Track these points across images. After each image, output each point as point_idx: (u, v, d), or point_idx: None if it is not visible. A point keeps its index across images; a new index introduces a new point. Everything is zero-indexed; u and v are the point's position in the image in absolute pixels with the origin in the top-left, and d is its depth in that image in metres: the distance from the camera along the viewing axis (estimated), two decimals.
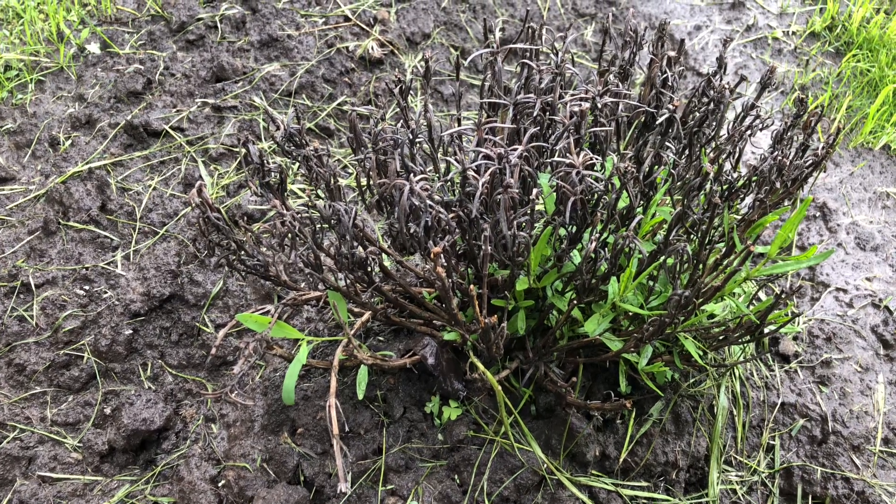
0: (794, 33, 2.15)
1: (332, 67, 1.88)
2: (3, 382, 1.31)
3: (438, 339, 1.23)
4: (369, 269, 1.09)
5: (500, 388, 1.11)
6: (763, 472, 1.28)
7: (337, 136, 1.77)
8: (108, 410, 1.29)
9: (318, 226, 1.07)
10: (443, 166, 1.20)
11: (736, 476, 1.27)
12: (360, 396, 1.08)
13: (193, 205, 1.01)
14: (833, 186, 1.76)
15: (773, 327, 1.14)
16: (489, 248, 0.99)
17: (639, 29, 1.29)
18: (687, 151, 1.14)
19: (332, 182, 1.03)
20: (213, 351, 0.99)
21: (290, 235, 1.00)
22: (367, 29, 1.98)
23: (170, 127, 1.75)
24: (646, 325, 1.09)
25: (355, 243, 1.05)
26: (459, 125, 1.25)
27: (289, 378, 1.01)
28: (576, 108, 1.03)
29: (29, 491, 1.17)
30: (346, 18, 2.01)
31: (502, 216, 0.99)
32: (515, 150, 1.01)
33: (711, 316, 1.26)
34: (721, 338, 1.18)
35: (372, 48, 1.92)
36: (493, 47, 1.21)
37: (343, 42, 1.94)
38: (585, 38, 2.09)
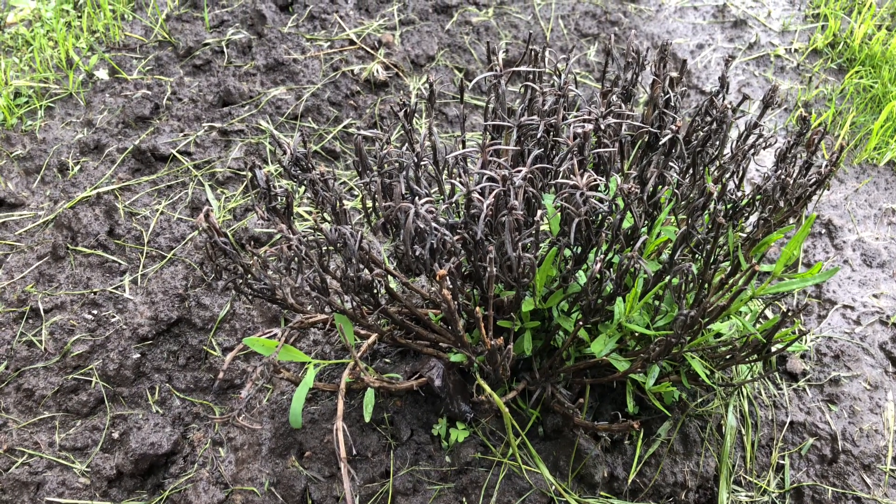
0: (796, 51, 2.16)
1: (338, 90, 1.90)
2: (11, 408, 1.32)
3: (445, 361, 1.23)
4: (375, 291, 1.10)
5: (506, 409, 1.11)
6: (773, 493, 1.27)
7: (343, 158, 1.78)
8: (115, 435, 1.29)
9: (325, 249, 1.08)
10: (448, 188, 1.21)
11: (746, 496, 1.26)
12: (367, 419, 1.08)
13: (201, 229, 1.02)
14: (838, 203, 1.76)
15: (780, 346, 1.14)
16: (494, 269, 0.99)
17: (641, 49, 1.31)
18: (691, 171, 1.14)
19: (338, 206, 1.04)
20: (221, 375, 0.99)
21: (296, 259, 1.00)
22: (372, 52, 2.00)
23: (177, 151, 1.77)
24: (652, 346, 1.09)
25: (361, 266, 1.06)
26: (464, 147, 1.26)
27: (296, 401, 1.01)
28: (579, 130, 1.04)
29: None
30: (351, 42, 2.03)
31: (507, 237, 1.00)
32: (520, 171, 1.02)
33: (718, 335, 1.26)
34: (728, 357, 1.17)
35: (377, 71, 1.94)
36: (496, 70, 1.22)
37: (348, 65, 1.96)
38: (589, 58, 2.11)
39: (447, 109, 1.91)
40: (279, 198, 1.08)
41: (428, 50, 2.04)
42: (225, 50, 2.03)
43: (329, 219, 1.07)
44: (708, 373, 1.18)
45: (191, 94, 1.93)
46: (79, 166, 1.76)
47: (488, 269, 0.98)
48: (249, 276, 1.10)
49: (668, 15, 2.31)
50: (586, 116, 1.11)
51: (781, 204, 1.17)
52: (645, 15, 2.30)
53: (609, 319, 1.16)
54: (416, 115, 1.95)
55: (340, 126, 1.84)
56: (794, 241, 1.08)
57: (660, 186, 1.13)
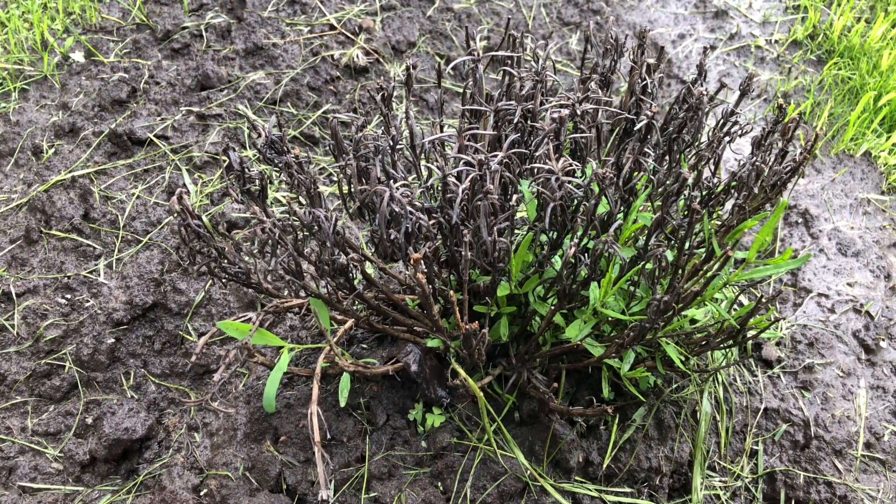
0: (776, 42, 2.17)
1: (318, 76, 1.89)
2: None
3: (422, 347, 1.23)
4: (351, 276, 1.09)
5: (482, 394, 1.11)
6: (746, 478, 1.29)
7: (322, 144, 1.77)
8: (89, 420, 1.28)
9: (300, 234, 1.07)
10: (424, 173, 1.21)
11: (720, 481, 1.27)
12: (343, 404, 1.08)
13: (174, 212, 1.01)
14: (815, 193, 1.77)
15: (754, 332, 1.15)
16: (469, 253, 0.99)
17: (619, 37, 1.31)
18: (667, 158, 1.15)
19: (313, 188, 1.03)
20: (193, 359, 0.98)
21: (270, 242, 0.99)
22: (353, 37, 1.99)
23: (154, 135, 1.75)
24: (627, 331, 1.09)
25: (336, 250, 1.05)
26: (441, 132, 1.25)
27: (270, 386, 1.00)
28: (556, 115, 1.04)
29: (9, 501, 1.16)
30: (332, 27, 2.01)
31: (482, 222, 1.00)
32: (496, 156, 1.02)
33: (693, 321, 1.27)
34: (703, 343, 1.18)
35: (357, 56, 1.92)
36: (475, 55, 1.22)
37: (328, 50, 1.95)
38: (570, 46, 2.11)
39: (427, 96, 1.90)
40: (254, 181, 1.07)
41: (409, 36, 2.03)
42: (204, 34, 2.00)
43: (304, 202, 1.06)
44: (683, 359, 1.19)
45: (168, 78, 1.91)
46: (53, 149, 1.74)
47: (464, 253, 0.98)
48: (224, 259, 1.09)
49: (649, 4, 2.31)
50: (563, 102, 1.11)
51: (756, 190, 1.17)
52: (627, 4, 2.30)
53: (585, 305, 1.17)
54: (394, 99, 1.94)
55: (320, 111, 1.82)
56: (767, 227, 1.08)
57: (636, 173, 1.13)
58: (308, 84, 1.86)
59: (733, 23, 2.23)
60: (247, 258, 1.09)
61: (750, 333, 1.20)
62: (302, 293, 1.08)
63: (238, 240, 1.05)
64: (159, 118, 1.80)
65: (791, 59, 2.12)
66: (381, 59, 1.96)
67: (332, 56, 1.93)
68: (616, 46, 1.31)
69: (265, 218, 0.99)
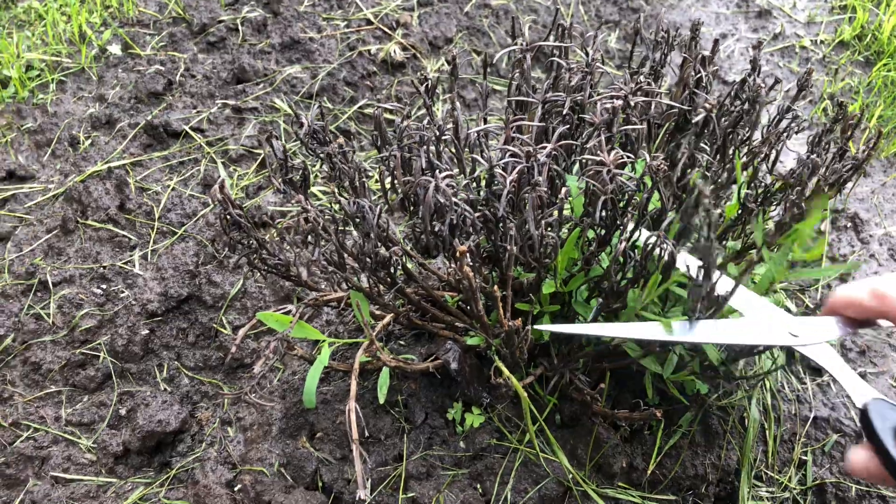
0: (822, 42, 2.11)
1: (354, 70, 1.87)
2: (17, 381, 1.29)
3: (461, 344, 1.20)
4: (393, 269, 1.07)
5: (525, 394, 1.07)
6: (795, 489, 1.23)
7: (357, 138, 1.75)
8: (122, 411, 1.26)
9: (341, 224, 1.05)
10: (468, 165, 1.18)
11: (766, 492, 1.22)
12: (382, 400, 1.05)
13: (215, 201, 0.99)
14: (864, 197, 1.71)
15: None
16: (515, 248, 0.96)
17: (671, 30, 1.27)
18: (720, 154, 1.10)
19: (357, 178, 1.01)
20: (233, 350, 0.96)
21: (313, 233, 0.97)
22: (390, 32, 1.96)
23: (190, 128, 1.74)
24: None
25: (379, 242, 1.03)
26: (486, 124, 1.23)
27: (310, 380, 0.98)
28: (608, 106, 1.01)
29: (42, 492, 1.15)
30: (369, 22, 1.99)
31: (530, 215, 0.97)
32: (544, 148, 0.99)
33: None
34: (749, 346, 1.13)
35: (394, 52, 1.90)
36: (522, 45, 1.19)
37: (365, 45, 1.93)
38: (609, 44, 2.07)
39: (465, 92, 1.87)
40: (296, 171, 1.05)
41: (446, 32, 2.01)
42: (240, 27, 1.99)
43: (347, 194, 1.04)
44: (721, 361, 1.14)
45: (204, 71, 1.90)
46: (90, 140, 1.74)
47: (509, 248, 0.95)
48: (264, 251, 1.07)
49: (690, 3, 2.26)
50: (615, 93, 1.07)
51: (812, 187, 1.13)
52: (667, 3, 2.25)
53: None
54: (436, 91, 1.91)
55: (356, 106, 1.80)
56: (809, 224, 1.03)
57: (688, 169, 1.09)
58: (344, 79, 1.85)
59: (777, 23, 2.17)
60: (286, 248, 1.07)
61: None
62: (343, 286, 1.05)
63: (281, 230, 1.02)
64: (195, 111, 1.79)
65: (838, 60, 2.06)
66: (418, 55, 1.93)
67: (368, 51, 1.91)
68: (667, 39, 1.27)
69: (309, 208, 0.96)
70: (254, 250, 1.05)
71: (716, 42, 1.20)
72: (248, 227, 1.03)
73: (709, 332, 0.81)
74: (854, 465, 0.63)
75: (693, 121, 1.05)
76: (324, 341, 1.02)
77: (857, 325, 0.77)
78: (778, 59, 2.07)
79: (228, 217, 1.00)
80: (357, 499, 1.04)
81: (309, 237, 0.97)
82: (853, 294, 0.73)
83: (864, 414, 0.64)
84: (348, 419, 0.99)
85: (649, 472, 1.16)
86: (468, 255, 0.97)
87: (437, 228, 0.99)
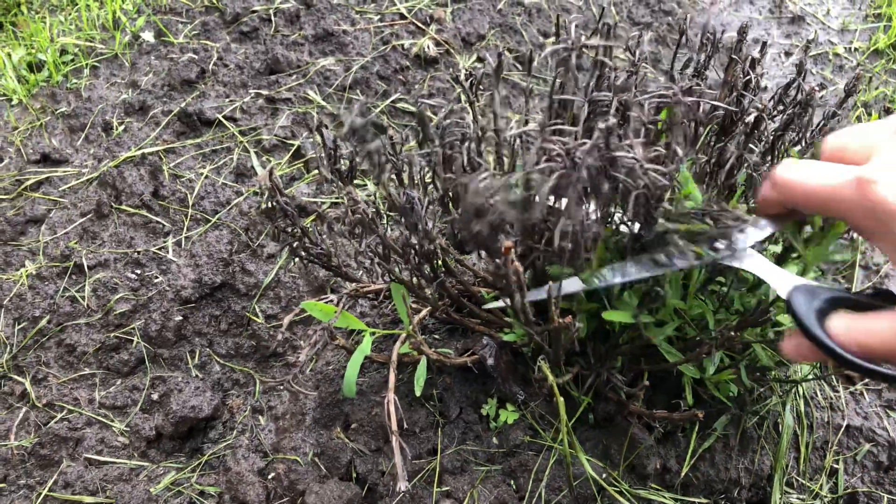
0: (856, 50, 2.10)
1: (387, 64, 1.87)
2: (52, 362, 1.30)
3: (497, 340, 1.19)
4: (435, 263, 1.07)
5: (560, 394, 1.07)
6: (826, 497, 1.23)
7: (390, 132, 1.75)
8: (155, 396, 1.27)
9: (386, 219, 1.04)
10: (508, 163, 1.17)
11: (797, 499, 1.22)
12: (419, 393, 1.05)
13: (264, 189, 0.99)
14: None
15: None
16: (555, 244, 0.96)
17: (717, 32, 1.26)
18: (769, 156, 1.10)
19: (407, 170, 1.01)
20: (281, 336, 0.96)
21: (361, 224, 0.97)
22: (424, 27, 1.96)
23: (223, 116, 1.74)
24: (715, 334, 1.05)
25: (425, 236, 1.03)
26: (527, 123, 1.22)
27: (351, 369, 0.98)
28: (654, 102, 1.00)
29: (75, 473, 1.15)
30: (402, 16, 1.99)
31: (572, 209, 0.96)
32: (584, 143, 0.98)
33: (777, 325, 1.21)
34: None
35: (428, 47, 1.90)
36: (568, 42, 1.18)
37: (398, 39, 1.93)
38: (642, 47, 2.06)
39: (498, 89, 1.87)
40: (344, 160, 1.05)
41: (479, 29, 2.00)
42: (273, 18, 2.00)
43: (395, 185, 1.04)
44: (769, 366, 1.14)
45: (237, 61, 1.90)
46: (123, 126, 1.74)
47: (554, 244, 0.95)
48: (306, 240, 1.07)
49: (722, 7, 2.25)
50: (663, 92, 1.07)
51: None
52: (699, 6, 2.24)
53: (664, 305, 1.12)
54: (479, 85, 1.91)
55: (389, 100, 1.80)
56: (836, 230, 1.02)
57: (735, 170, 1.09)
58: (377, 72, 1.85)
59: (810, 29, 2.16)
60: (326, 239, 1.07)
61: None
62: (386, 277, 1.05)
63: (330, 220, 1.02)
64: (227, 100, 1.80)
65: (872, 68, 2.04)
66: (451, 51, 1.93)
67: (402, 45, 1.91)
68: (713, 41, 1.27)
69: (358, 199, 0.96)
70: (297, 238, 1.05)
71: (764, 45, 1.19)
72: (294, 215, 1.03)
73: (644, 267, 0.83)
74: (787, 349, 0.65)
75: (744, 121, 1.04)
76: (365, 331, 1.01)
77: (779, 219, 0.76)
78: (811, 66, 2.06)
79: (276, 205, 1.00)
80: (395, 490, 1.04)
81: (356, 228, 0.97)
82: (761, 191, 0.70)
83: (788, 303, 0.64)
84: (387, 410, 0.98)
85: (683, 474, 1.15)
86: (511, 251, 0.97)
87: (475, 229, 0.99)
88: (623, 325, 1.11)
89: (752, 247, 0.78)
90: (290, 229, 1.03)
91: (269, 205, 1.00)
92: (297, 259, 1.35)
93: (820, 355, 0.61)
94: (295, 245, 1.05)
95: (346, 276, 1.13)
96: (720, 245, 0.80)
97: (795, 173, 0.61)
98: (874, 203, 0.54)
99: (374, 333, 1.02)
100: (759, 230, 0.77)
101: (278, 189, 1.00)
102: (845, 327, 0.57)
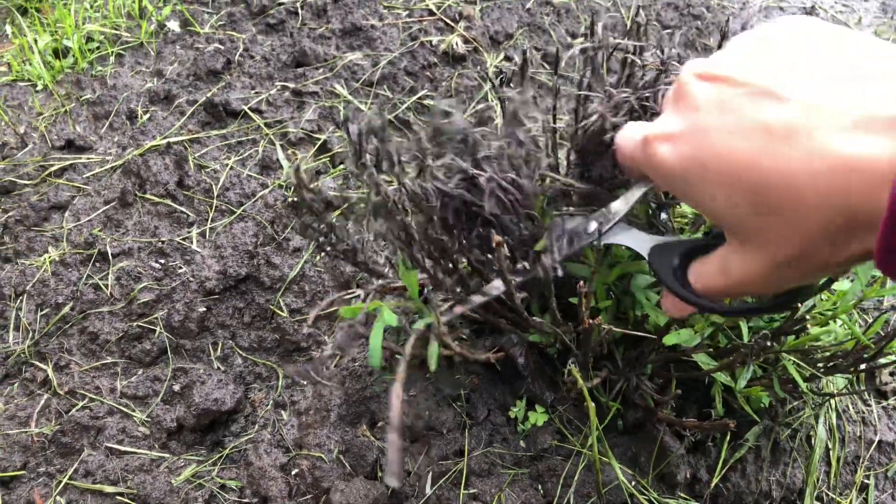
0: None
1: (415, 60, 1.85)
2: (74, 349, 1.28)
3: (524, 340, 1.17)
4: (454, 257, 1.05)
5: (591, 399, 1.05)
6: None
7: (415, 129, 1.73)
8: (176, 387, 1.25)
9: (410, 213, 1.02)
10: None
11: None
12: (433, 367, 1.02)
13: (290, 182, 0.97)
14: None
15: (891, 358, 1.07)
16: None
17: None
18: None
19: (423, 161, 0.99)
20: (305, 331, 0.94)
21: (384, 208, 0.95)
22: (452, 24, 1.95)
23: (248, 108, 1.73)
24: (750, 344, 1.03)
25: (442, 228, 1.01)
26: (555, 120, 1.21)
27: (374, 338, 0.96)
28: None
29: (96, 462, 1.14)
30: (431, 13, 1.98)
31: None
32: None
33: (815, 340, 1.19)
34: (830, 365, 1.11)
35: (456, 44, 1.88)
36: (596, 42, 1.17)
37: (426, 36, 1.91)
38: (672, 46, 2.03)
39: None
40: (369, 155, 1.03)
41: (507, 27, 1.98)
42: (299, 11, 1.98)
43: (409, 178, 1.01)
44: (803, 379, 1.11)
45: (263, 53, 1.89)
46: (147, 115, 1.73)
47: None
48: (333, 235, 1.05)
49: (752, 13, 2.22)
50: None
51: None
52: (728, 11, 2.22)
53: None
54: (509, 83, 1.89)
55: (416, 97, 1.78)
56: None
57: None
58: (405, 68, 1.83)
59: None
60: (355, 233, 1.05)
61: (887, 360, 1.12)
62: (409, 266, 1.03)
63: (351, 204, 1.00)
64: (253, 91, 1.78)
65: None
66: (479, 48, 1.91)
67: (430, 42, 1.89)
68: None
69: (381, 182, 0.95)
70: (323, 234, 1.04)
71: None
72: (319, 211, 1.01)
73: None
74: (665, 306, 0.66)
75: None
76: (382, 305, 1.00)
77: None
78: None
79: (302, 200, 0.98)
80: (387, 484, 1.02)
81: (378, 213, 0.95)
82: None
83: (649, 264, 0.66)
84: (390, 401, 0.96)
85: (713, 484, 1.13)
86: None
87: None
88: (655, 330, 1.09)
89: (625, 220, 0.78)
90: (315, 225, 1.02)
91: (296, 200, 0.98)
92: (322, 254, 1.33)
93: (689, 307, 0.62)
94: (321, 240, 1.03)
95: (372, 272, 1.11)
96: (591, 228, 0.81)
97: (619, 136, 0.58)
98: (655, 164, 0.51)
99: (396, 309, 1.00)
100: (626, 203, 0.78)
101: (304, 185, 0.98)
102: (694, 275, 0.57)
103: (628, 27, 1.24)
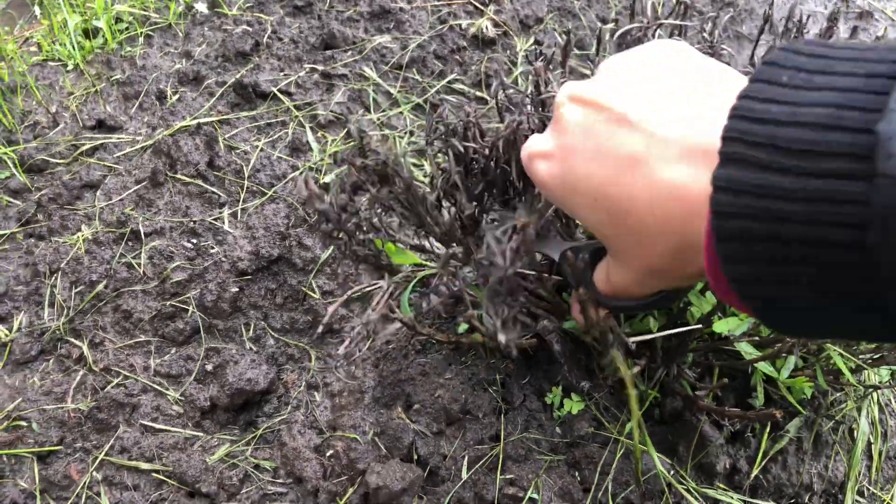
0: None
1: (444, 44, 1.83)
2: (109, 327, 1.28)
3: (557, 327, 1.16)
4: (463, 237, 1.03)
5: (633, 386, 1.03)
6: None
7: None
8: (209, 367, 1.25)
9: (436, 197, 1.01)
10: None
11: None
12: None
13: (303, 197, 0.95)
14: None
15: None
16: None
17: (803, 18, 1.22)
18: None
19: (457, 147, 0.98)
20: (337, 313, 0.93)
21: (391, 177, 0.93)
22: (482, 8, 1.92)
23: (277, 90, 1.72)
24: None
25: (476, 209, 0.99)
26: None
27: (405, 294, 0.95)
28: None
29: (132, 439, 1.14)
30: None
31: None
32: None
33: None
34: (876, 356, 1.08)
35: (486, 28, 1.86)
36: (644, 22, 1.15)
37: (456, 19, 1.89)
38: (719, 28, 2.00)
39: (554, 75, 1.83)
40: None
41: (537, 11, 1.96)
42: None
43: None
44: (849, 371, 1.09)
45: (291, 35, 1.88)
46: (177, 96, 1.72)
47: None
48: (353, 242, 1.03)
49: (786, 0, 2.18)
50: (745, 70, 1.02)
51: None
52: None
53: None
54: (520, 75, 1.87)
55: (445, 81, 1.76)
56: None
57: None
58: (434, 52, 1.81)
59: (879, 25, 2.09)
60: (377, 226, 1.03)
61: None
62: (426, 246, 1.02)
63: (377, 213, 0.99)
64: (282, 73, 1.77)
65: None
66: (508, 32, 1.89)
67: (459, 25, 1.87)
68: (799, 27, 1.22)
69: (379, 149, 0.93)
70: (344, 243, 1.01)
71: (854, 28, 1.14)
72: (336, 219, 0.98)
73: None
74: (573, 314, 0.69)
75: None
76: (411, 263, 0.99)
77: None
78: None
79: (316, 212, 0.96)
80: (453, 473, 1.01)
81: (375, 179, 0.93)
82: None
83: (558, 267, 0.69)
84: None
85: (753, 475, 1.11)
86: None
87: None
88: (698, 319, 1.07)
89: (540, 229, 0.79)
90: (335, 233, 0.99)
91: (315, 214, 0.96)
92: (346, 258, 1.32)
93: (602, 309, 0.65)
94: (342, 247, 1.01)
95: (393, 273, 1.09)
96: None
97: (523, 147, 0.59)
98: (536, 180, 0.54)
99: (422, 267, 0.99)
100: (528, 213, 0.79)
101: (316, 196, 0.96)
102: (600, 277, 0.59)
103: (673, 8, 1.22)
